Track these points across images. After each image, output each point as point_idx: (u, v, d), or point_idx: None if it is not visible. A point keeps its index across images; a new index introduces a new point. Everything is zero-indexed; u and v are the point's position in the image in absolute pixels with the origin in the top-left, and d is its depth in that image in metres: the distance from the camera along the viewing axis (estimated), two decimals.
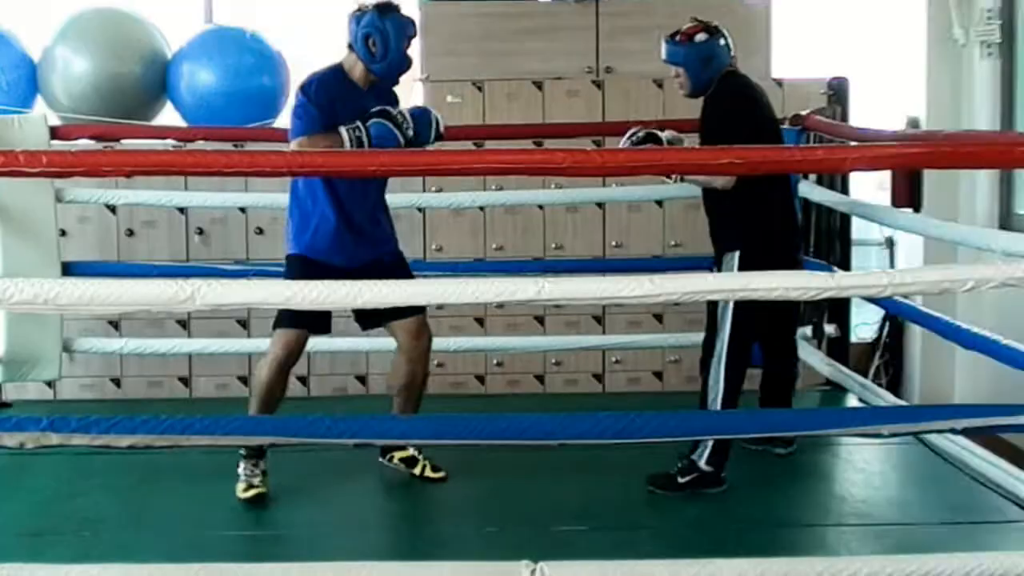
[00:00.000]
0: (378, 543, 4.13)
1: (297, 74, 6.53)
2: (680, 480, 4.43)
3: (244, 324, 6.33)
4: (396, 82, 4.59)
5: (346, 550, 3.96)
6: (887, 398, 5.23)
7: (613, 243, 6.46)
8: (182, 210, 6.26)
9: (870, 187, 6.95)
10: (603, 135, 6.01)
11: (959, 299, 5.47)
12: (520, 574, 2.84)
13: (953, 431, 3.50)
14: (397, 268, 4.55)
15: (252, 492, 4.38)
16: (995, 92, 6.08)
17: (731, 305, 4.43)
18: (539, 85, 6.43)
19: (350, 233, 4.48)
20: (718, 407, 4.41)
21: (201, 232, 6.38)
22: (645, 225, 6.46)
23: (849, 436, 3.90)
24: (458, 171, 3.45)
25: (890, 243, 7.01)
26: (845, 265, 6.10)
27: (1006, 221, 6.08)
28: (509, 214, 6.39)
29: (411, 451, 4.63)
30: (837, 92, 6.13)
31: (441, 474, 4.60)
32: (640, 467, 4.50)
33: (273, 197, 5.81)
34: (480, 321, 6.31)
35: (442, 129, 4.46)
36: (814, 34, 7.10)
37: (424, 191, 6.08)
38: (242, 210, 6.26)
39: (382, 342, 6.02)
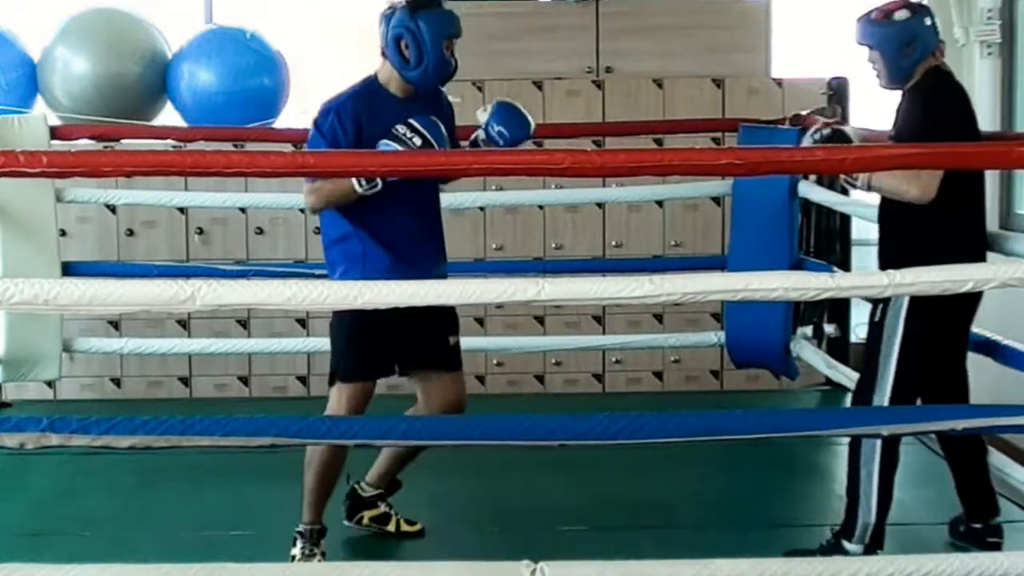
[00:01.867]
0: (378, 543, 4.13)
1: (297, 74, 6.54)
2: None
3: (244, 324, 6.34)
4: (438, 89, 3.95)
5: (346, 550, 3.97)
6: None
7: (613, 243, 6.46)
8: (182, 210, 6.26)
9: None
10: (603, 135, 6.02)
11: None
12: (520, 574, 2.84)
13: (953, 431, 3.49)
14: (449, 316, 3.96)
15: None
16: (995, 92, 6.09)
17: (897, 343, 3.77)
18: (539, 85, 6.43)
19: (407, 268, 3.78)
20: (873, 508, 3.82)
21: (201, 232, 6.38)
22: (645, 225, 6.46)
23: (849, 436, 3.89)
24: (458, 171, 3.45)
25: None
26: (845, 265, 6.10)
27: (1006, 221, 6.08)
28: (509, 214, 6.39)
29: (382, 507, 4.20)
30: (837, 92, 6.13)
31: (417, 527, 4.20)
32: (641, 466, 4.50)
33: (273, 197, 5.82)
34: (480, 321, 6.31)
35: (531, 127, 3.97)
36: (814, 34, 7.10)
37: None
38: (242, 210, 6.26)
39: None
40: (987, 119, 6.04)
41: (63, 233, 5.94)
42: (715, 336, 5.94)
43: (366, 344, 3.83)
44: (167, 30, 6.59)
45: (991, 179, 6.05)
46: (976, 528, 4.03)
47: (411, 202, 3.84)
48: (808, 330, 5.89)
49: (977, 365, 4.11)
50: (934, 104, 3.76)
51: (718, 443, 4.07)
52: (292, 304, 2.80)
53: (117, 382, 6.43)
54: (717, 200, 6.35)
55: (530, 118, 3.96)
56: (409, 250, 3.85)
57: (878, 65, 3.84)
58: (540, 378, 6.45)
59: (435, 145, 3.68)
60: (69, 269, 5.61)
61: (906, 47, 3.77)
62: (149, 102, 6.48)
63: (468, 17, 4.00)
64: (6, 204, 5.44)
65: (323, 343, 5.91)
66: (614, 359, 6.45)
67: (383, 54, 3.83)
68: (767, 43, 6.58)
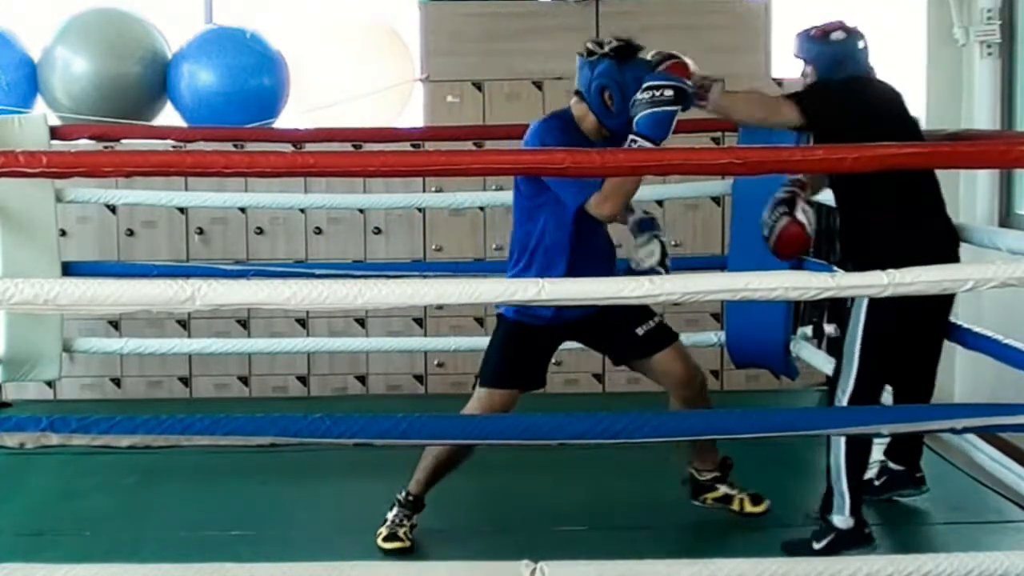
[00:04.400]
0: (377, 543, 4.12)
1: (297, 74, 6.53)
2: (816, 546, 3.88)
3: (244, 324, 6.34)
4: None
5: (346, 550, 3.96)
6: (887, 397, 5.22)
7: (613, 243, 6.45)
8: (182, 210, 6.26)
9: None
10: None
11: (959, 299, 5.46)
12: (520, 574, 2.84)
13: (953, 431, 3.50)
14: (626, 311, 3.97)
15: (392, 544, 4.03)
16: (995, 92, 6.09)
17: (859, 338, 3.92)
18: (539, 85, 6.43)
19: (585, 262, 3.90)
20: (843, 475, 3.88)
21: (201, 232, 6.38)
22: None
23: (848, 435, 3.89)
24: (458, 171, 3.44)
25: None
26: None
27: (1006, 221, 6.08)
28: (509, 214, 6.32)
29: (722, 489, 4.26)
30: None
31: (763, 506, 4.23)
32: (641, 467, 4.50)
33: (273, 197, 5.82)
34: (480, 321, 6.30)
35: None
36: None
37: (424, 191, 6.08)
38: (242, 210, 6.26)
39: (382, 342, 6.05)
40: (987, 119, 6.05)
41: (63, 233, 5.94)
42: (715, 336, 5.93)
43: (516, 354, 4.02)
44: (167, 30, 6.59)
45: (991, 179, 6.08)
46: (899, 471, 4.26)
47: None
48: (808, 330, 5.89)
49: (978, 364, 4.10)
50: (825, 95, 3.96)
51: (718, 443, 4.09)
52: (292, 304, 2.80)
53: (117, 382, 6.43)
54: (717, 200, 6.35)
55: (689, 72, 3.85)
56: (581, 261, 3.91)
57: (809, 79, 4.08)
58: None
59: (684, 87, 3.71)
60: (69, 269, 5.61)
61: (837, 65, 3.99)
62: (149, 102, 6.48)
63: (468, 17, 4.01)
64: (6, 204, 5.43)
65: (322, 343, 5.94)
66: None
67: (579, 95, 3.90)
68: (767, 43, 6.58)
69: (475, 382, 4.11)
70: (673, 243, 6.43)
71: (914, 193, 3.89)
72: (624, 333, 4.06)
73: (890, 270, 2.92)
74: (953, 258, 3.92)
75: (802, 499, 4.38)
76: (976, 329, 4.12)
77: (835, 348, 5.95)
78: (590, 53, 3.86)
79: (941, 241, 3.97)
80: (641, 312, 4.03)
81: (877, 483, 4.31)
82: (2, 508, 4.35)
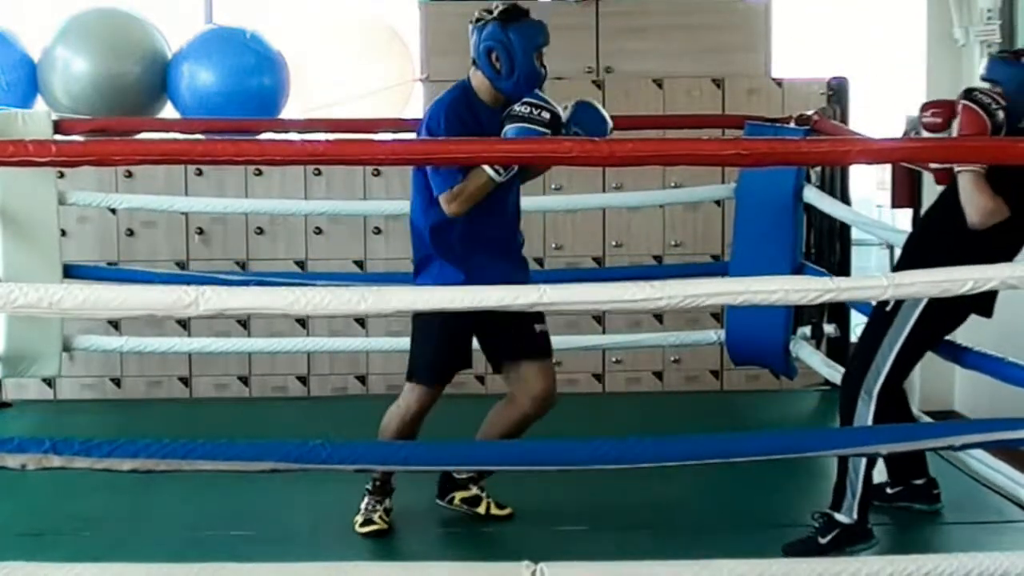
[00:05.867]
0: (378, 543, 4.12)
1: (297, 74, 6.54)
2: (821, 541, 3.88)
3: (244, 324, 6.34)
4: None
5: (346, 550, 3.97)
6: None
7: (613, 243, 6.46)
8: None
9: (870, 186, 6.95)
10: None
11: None
12: (520, 574, 2.84)
13: (952, 448, 3.52)
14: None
15: (369, 528, 4.13)
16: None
17: (902, 338, 3.86)
18: None
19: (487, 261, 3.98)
20: (860, 475, 3.87)
21: (201, 232, 6.38)
22: (645, 225, 6.47)
23: (845, 456, 3.91)
24: (465, 161, 3.41)
25: (890, 244, 7.01)
26: (845, 265, 6.10)
27: None
28: None
29: (474, 490, 4.30)
30: (837, 92, 6.14)
31: (507, 511, 4.27)
32: (640, 467, 4.49)
33: (273, 203, 5.82)
34: None
35: (609, 125, 3.99)
36: (814, 34, 7.11)
37: None
38: None
39: (382, 342, 6.04)
40: None
41: (63, 233, 5.93)
42: (715, 335, 5.94)
43: (440, 350, 4.04)
44: (167, 30, 6.59)
45: None
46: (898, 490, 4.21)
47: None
48: (807, 330, 5.90)
49: (977, 374, 4.12)
50: None
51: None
52: (294, 309, 2.80)
53: (117, 382, 6.43)
54: (718, 201, 6.35)
55: (607, 116, 4.01)
56: (488, 250, 3.98)
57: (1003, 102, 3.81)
58: None
59: (560, 116, 3.83)
60: (70, 271, 5.61)
61: None
62: (149, 102, 6.48)
63: (468, 17, 4.00)
64: (8, 206, 5.44)
65: (322, 343, 5.94)
66: (614, 359, 6.46)
67: (474, 63, 3.97)
68: (767, 43, 6.59)
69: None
70: (673, 243, 6.47)
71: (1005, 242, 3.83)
72: (522, 329, 4.05)
73: (889, 273, 2.92)
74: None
75: (802, 499, 4.38)
76: (976, 348, 4.12)
77: (836, 350, 6.02)
78: (478, 20, 3.94)
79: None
80: (538, 314, 4.04)
81: (890, 491, 4.27)
82: (2, 508, 4.35)
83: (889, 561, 3.00)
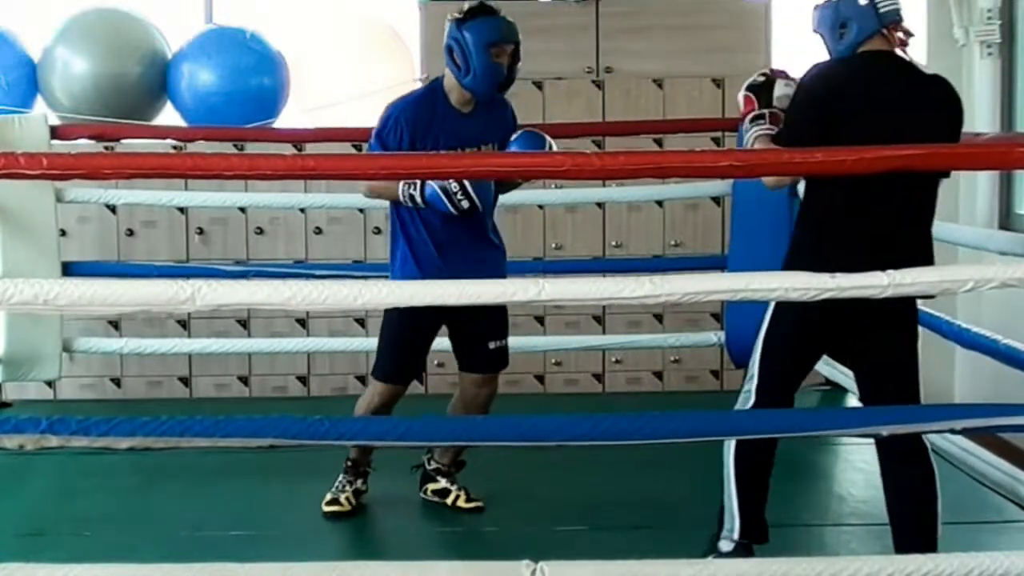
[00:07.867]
0: (378, 543, 4.13)
1: (297, 74, 6.54)
2: None
3: (244, 324, 6.34)
4: (495, 98, 4.13)
5: (346, 550, 3.97)
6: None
7: (613, 243, 6.46)
8: (182, 210, 6.26)
9: None
10: (603, 135, 6.02)
11: (959, 299, 5.47)
12: (520, 574, 2.84)
13: (952, 431, 3.49)
14: (494, 321, 4.20)
15: (332, 508, 4.24)
16: (995, 92, 6.07)
17: (760, 342, 3.65)
18: (539, 85, 6.43)
19: (453, 255, 4.05)
20: (733, 492, 3.60)
21: (201, 232, 6.38)
22: (645, 225, 6.47)
23: (849, 436, 3.89)
24: (459, 173, 3.44)
25: None
26: None
27: (1006, 221, 6.08)
28: (509, 214, 6.38)
29: (443, 482, 4.41)
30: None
31: (476, 503, 4.35)
32: (641, 467, 4.50)
33: (272, 197, 5.82)
34: None
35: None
36: (814, 34, 7.08)
37: None
38: (242, 210, 6.25)
39: None
40: (987, 119, 6.04)
41: (63, 233, 5.93)
42: (715, 336, 5.94)
43: (404, 351, 4.18)
44: (167, 30, 6.59)
45: (991, 179, 6.07)
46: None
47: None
48: None
49: (977, 364, 4.11)
50: (798, 87, 3.76)
51: (718, 442, 4.09)
52: (292, 304, 2.80)
53: (117, 382, 6.43)
54: (717, 200, 6.35)
55: (552, 146, 4.02)
56: (452, 253, 4.06)
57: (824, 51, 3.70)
58: (540, 378, 6.45)
59: (477, 209, 3.93)
60: (69, 269, 5.61)
61: (840, 28, 3.67)
62: (149, 102, 6.48)
63: None
64: (6, 204, 5.44)
65: (323, 343, 5.95)
66: (614, 359, 6.45)
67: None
68: (767, 43, 6.58)
69: None
70: (673, 243, 6.46)
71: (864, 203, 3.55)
72: (475, 346, 4.22)
73: (890, 271, 2.92)
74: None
75: (801, 499, 4.39)
76: (975, 329, 4.12)
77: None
78: (449, 20, 4.04)
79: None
80: (502, 328, 4.20)
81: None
82: (2, 508, 4.35)
83: (889, 561, 3.00)
